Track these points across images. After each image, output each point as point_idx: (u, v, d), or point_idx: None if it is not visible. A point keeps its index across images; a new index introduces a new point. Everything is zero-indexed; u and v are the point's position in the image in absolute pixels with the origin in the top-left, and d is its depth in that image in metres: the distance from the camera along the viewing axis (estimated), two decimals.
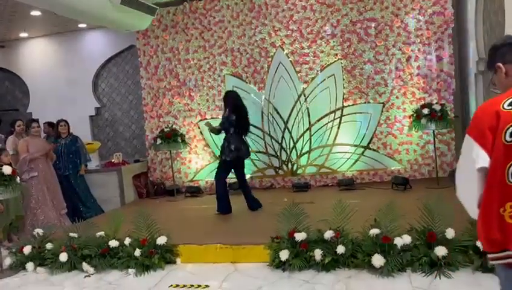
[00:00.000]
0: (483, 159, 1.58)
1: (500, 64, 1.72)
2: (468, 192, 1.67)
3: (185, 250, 4.28)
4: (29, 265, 4.47)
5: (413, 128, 6.12)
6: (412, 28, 6.52)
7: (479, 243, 3.25)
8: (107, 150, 8.58)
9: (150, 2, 6.76)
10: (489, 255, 1.62)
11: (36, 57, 8.86)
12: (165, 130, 7.02)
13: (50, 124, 7.62)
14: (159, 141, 6.91)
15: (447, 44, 6.43)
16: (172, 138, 6.89)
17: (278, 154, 7.22)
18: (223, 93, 7.30)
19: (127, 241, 4.30)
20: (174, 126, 7.32)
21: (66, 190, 6.36)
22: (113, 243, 4.30)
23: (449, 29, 6.42)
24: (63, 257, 4.33)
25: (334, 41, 6.84)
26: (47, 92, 8.74)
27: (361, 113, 6.83)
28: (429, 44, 6.48)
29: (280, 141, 7.18)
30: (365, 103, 6.81)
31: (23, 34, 8.52)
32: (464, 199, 1.72)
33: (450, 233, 3.41)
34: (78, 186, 6.54)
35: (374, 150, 6.82)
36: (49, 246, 4.55)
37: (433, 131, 6.11)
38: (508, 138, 1.54)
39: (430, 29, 6.46)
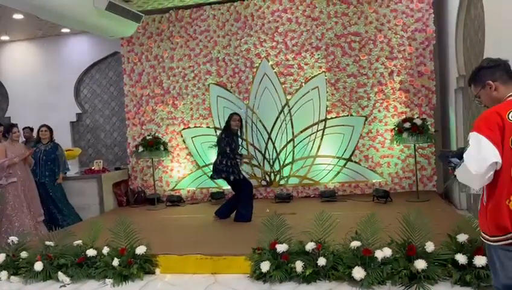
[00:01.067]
0: (495, 154, 1.93)
1: (490, 82, 2.12)
2: (477, 180, 1.99)
3: (164, 260, 4.21)
4: (3, 274, 4.33)
5: (395, 142, 6.21)
6: (395, 44, 6.64)
7: (459, 256, 3.29)
8: (88, 157, 8.45)
9: (135, 9, 6.73)
10: (493, 238, 1.99)
11: (17, 60, 8.71)
12: (148, 137, 6.96)
13: (30, 129, 7.54)
14: (140, 149, 6.84)
15: (428, 60, 6.56)
16: (154, 145, 6.82)
17: (261, 164, 7.22)
18: (207, 102, 7.34)
19: (105, 250, 4.21)
20: (156, 134, 7.26)
21: (42, 197, 6.23)
22: (91, 252, 4.21)
23: (431, 45, 6.56)
24: (38, 266, 4.21)
25: (318, 54, 6.91)
26: (27, 96, 8.59)
27: (344, 125, 6.89)
28: (411, 59, 6.61)
29: (263, 152, 7.18)
30: (348, 115, 6.88)
31: (5, 37, 8.39)
32: (471, 183, 2.07)
33: (429, 246, 3.44)
34: (54, 193, 6.37)
35: (356, 162, 6.88)
36: (24, 254, 4.42)
37: (414, 145, 6.20)
38: None
39: (412, 45, 6.59)
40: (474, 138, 1.99)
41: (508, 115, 1.96)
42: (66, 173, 6.71)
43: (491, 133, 1.95)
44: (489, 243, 2.03)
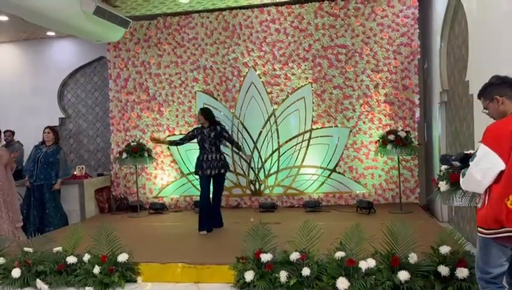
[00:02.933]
0: (501, 165, 2.27)
1: (498, 97, 2.43)
2: (481, 184, 2.36)
3: (146, 268, 4.15)
4: None
5: (379, 154, 6.27)
6: (381, 57, 6.75)
7: (441, 268, 3.33)
8: (70, 162, 8.30)
9: (123, 14, 6.71)
10: (489, 231, 2.32)
11: None
12: (132, 144, 6.88)
13: (12, 132, 7.44)
14: (124, 155, 6.76)
15: (413, 74, 6.68)
16: (138, 152, 6.75)
17: (246, 173, 7.21)
18: (193, 110, 7.32)
19: (86, 257, 4.13)
20: (141, 140, 7.19)
21: (35, 201, 6.10)
22: (71, 259, 4.12)
23: (415, 60, 6.68)
24: (16, 272, 4.10)
25: (305, 65, 6.97)
26: (9, 99, 8.44)
27: (329, 136, 6.94)
28: (396, 73, 6.71)
29: (248, 161, 7.17)
30: (333, 126, 6.94)
31: None
32: (476, 189, 2.43)
33: (413, 258, 3.47)
34: (45, 198, 6.21)
35: (340, 173, 6.92)
36: (1, 260, 4.30)
37: (398, 157, 6.27)
38: None
39: (398, 59, 6.70)
40: (482, 149, 2.34)
41: None
42: (66, 177, 6.50)
43: (497, 146, 2.28)
44: (484, 235, 2.36)
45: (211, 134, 5.45)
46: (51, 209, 6.23)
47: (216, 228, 5.52)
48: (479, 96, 2.57)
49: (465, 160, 2.55)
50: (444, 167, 2.94)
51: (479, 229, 2.39)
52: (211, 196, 5.56)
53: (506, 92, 2.43)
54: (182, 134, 7.34)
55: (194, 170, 5.66)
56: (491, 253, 2.35)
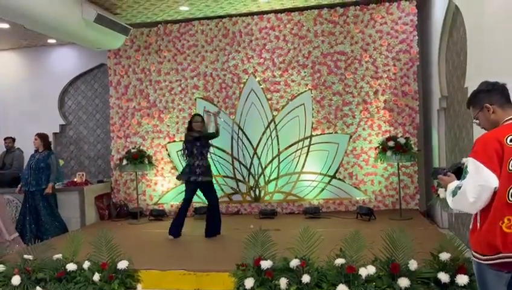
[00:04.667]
0: (494, 181, 2.01)
1: (488, 105, 2.20)
2: (475, 205, 2.07)
3: (146, 275, 4.14)
4: None
5: (379, 160, 6.27)
6: (380, 63, 6.77)
7: (441, 275, 3.32)
8: (70, 169, 8.32)
9: (124, 21, 6.75)
10: (484, 257, 2.08)
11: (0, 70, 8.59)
12: (132, 150, 6.90)
13: (13, 139, 7.46)
14: (124, 162, 6.77)
15: (412, 80, 6.70)
16: (138, 159, 6.77)
17: (246, 179, 7.21)
18: None
19: (86, 265, 4.12)
20: (141, 147, 7.21)
21: (29, 208, 6.10)
22: (71, 267, 4.11)
23: (414, 66, 6.70)
24: (16, 280, 4.09)
25: (305, 72, 7.00)
26: (10, 106, 8.46)
27: (329, 143, 6.95)
28: (395, 79, 6.74)
29: (248, 167, 7.18)
30: (333, 133, 6.95)
31: None
32: (468, 210, 2.13)
33: (413, 265, 3.46)
34: (39, 205, 6.20)
35: (340, 179, 6.92)
36: (1, 268, 4.29)
37: (398, 163, 6.28)
38: (511, 167, 2.01)
39: (397, 66, 6.73)
40: (472, 164, 2.06)
41: (507, 139, 2.03)
42: (57, 183, 6.50)
43: (489, 159, 2.02)
44: (480, 261, 2.10)
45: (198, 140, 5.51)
46: (46, 217, 6.21)
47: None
48: (468, 105, 2.35)
49: (460, 173, 2.25)
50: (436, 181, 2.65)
51: (473, 253, 2.17)
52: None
53: (497, 100, 2.19)
54: (182, 140, 7.37)
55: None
56: (486, 280, 2.12)
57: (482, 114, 2.25)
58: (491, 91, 2.23)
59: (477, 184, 2.02)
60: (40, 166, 6.24)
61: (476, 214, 2.12)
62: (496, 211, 2.02)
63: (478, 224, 2.10)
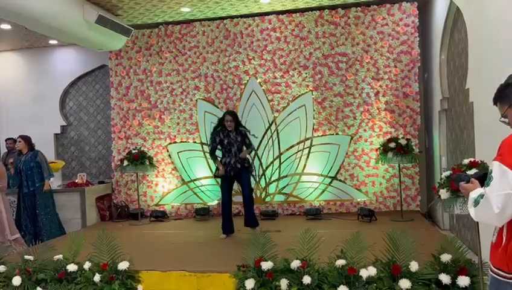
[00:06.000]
0: None
1: None
2: (501, 216, 1.79)
3: (147, 276, 4.13)
4: None
5: (380, 161, 6.27)
6: (381, 65, 6.77)
7: (442, 277, 3.32)
8: (71, 170, 8.33)
9: (125, 23, 6.76)
10: (510, 275, 1.82)
11: (1, 71, 8.60)
12: (133, 151, 6.90)
13: (14, 140, 7.45)
14: (125, 163, 6.77)
15: (413, 82, 6.69)
16: (139, 160, 6.77)
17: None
18: (194, 117, 7.34)
19: (87, 265, 4.11)
20: (142, 148, 7.21)
21: (25, 209, 6.09)
22: (71, 267, 4.10)
23: (415, 68, 6.70)
24: (16, 280, 4.08)
25: (306, 73, 7.00)
26: (11, 107, 8.48)
27: (330, 144, 6.95)
28: (397, 81, 6.73)
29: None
30: (334, 134, 6.95)
31: None
32: (493, 221, 1.85)
33: (414, 266, 3.45)
34: (37, 205, 6.20)
35: (341, 181, 6.91)
36: (1, 268, 4.29)
37: (399, 165, 6.27)
38: None
39: (398, 67, 6.72)
40: (497, 168, 1.80)
41: None
42: (50, 178, 6.46)
43: None
44: (506, 280, 1.85)
45: (237, 138, 5.49)
46: (42, 217, 6.22)
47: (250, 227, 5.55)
48: (495, 102, 2.03)
49: (485, 180, 1.96)
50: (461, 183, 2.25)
51: (495, 269, 1.90)
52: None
53: None
54: (183, 141, 7.39)
55: (214, 173, 5.78)
56: None
57: (510, 111, 1.94)
58: None
59: (503, 192, 1.75)
60: (30, 166, 6.24)
61: (503, 227, 1.86)
62: None
63: (504, 238, 1.85)
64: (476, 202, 1.87)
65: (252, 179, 6.02)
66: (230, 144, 5.47)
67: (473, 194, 1.93)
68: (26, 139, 6.41)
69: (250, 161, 5.65)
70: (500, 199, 1.75)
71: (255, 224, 5.54)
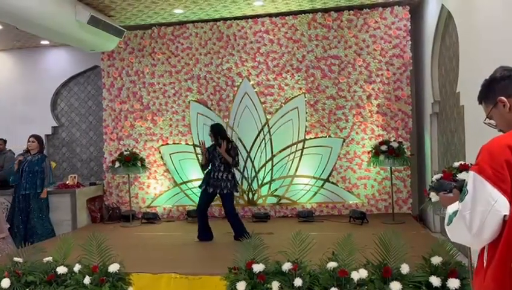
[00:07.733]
0: (504, 204, 1.43)
1: (504, 98, 1.60)
2: (478, 238, 1.49)
3: (137, 279, 4.11)
4: None
5: (372, 164, 6.30)
6: (373, 68, 6.81)
7: (433, 279, 3.34)
8: (62, 171, 8.25)
9: (117, 24, 6.73)
10: None
11: None
12: (125, 153, 6.86)
13: (4, 140, 7.39)
14: (117, 164, 6.73)
15: (405, 85, 6.74)
16: (131, 161, 6.73)
17: (239, 183, 7.19)
18: (187, 119, 7.32)
19: (77, 267, 4.08)
20: (134, 150, 7.17)
21: (19, 211, 6.03)
22: (61, 270, 4.06)
23: (407, 71, 6.74)
24: (5, 283, 4.03)
25: (298, 76, 7.02)
26: (1, 107, 8.39)
27: (322, 146, 6.96)
28: (389, 84, 6.77)
29: (242, 170, 7.16)
30: (326, 136, 6.96)
31: None
32: (469, 243, 1.63)
33: (405, 268, 3.47)
34: (31, 208, 6.13)
35: (334, 183, 6.93)
36: None
37: (391, 167, 6.30)
38: None
39: (390, 70, 6.76)
40: (473, 181, 1.48)
41: None
42: (50, 186, 6.43)
43: (497, 174, 1.43)
44: None
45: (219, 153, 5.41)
46: (35, 220, 6.15)
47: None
48: (479, 100, 1.74)
49: None
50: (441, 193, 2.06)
51: None
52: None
53: None
54: (175, 143, 7.37)
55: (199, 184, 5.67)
56: None
57: (496, 111, 1.63)
58: (504, 80, 1.63)
59: (479, 209, 1.44)
60: (35, 169, 6.16)
61: (483, 250, 1.55)
62: (505, 248, 1.43)
63: (484, 263, 1.52)
64: (449, 220, 1.56)
65: (236, 195, 5.90)
66: (214, 157, 5.45)
67: (449, 210, 1.60)
68: (40, 141, 6.34)
69: (235, 180, 5.51)
70: (476, 217, 1.44)
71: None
